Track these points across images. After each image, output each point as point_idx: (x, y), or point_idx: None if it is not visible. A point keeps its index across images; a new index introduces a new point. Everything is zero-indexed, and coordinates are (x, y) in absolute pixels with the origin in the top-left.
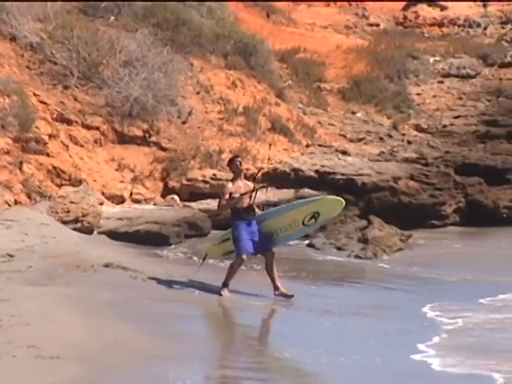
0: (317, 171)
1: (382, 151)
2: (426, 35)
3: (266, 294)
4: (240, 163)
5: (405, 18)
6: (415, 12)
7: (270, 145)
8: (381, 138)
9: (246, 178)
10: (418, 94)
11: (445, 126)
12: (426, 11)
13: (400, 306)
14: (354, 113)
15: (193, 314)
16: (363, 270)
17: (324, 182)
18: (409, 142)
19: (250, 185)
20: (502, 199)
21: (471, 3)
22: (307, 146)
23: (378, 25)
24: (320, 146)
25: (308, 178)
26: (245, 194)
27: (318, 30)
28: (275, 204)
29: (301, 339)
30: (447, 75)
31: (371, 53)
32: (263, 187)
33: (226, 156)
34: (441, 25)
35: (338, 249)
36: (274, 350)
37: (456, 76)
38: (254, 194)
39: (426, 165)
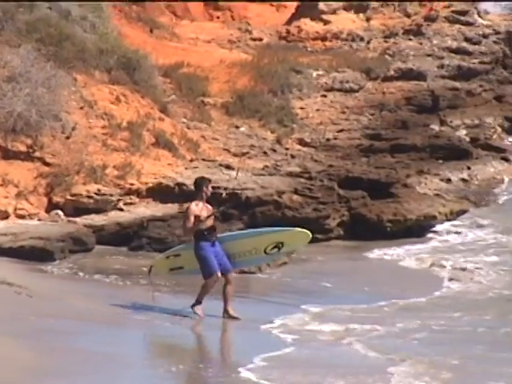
0: None
1: (266, 165)
2: (309, 49)
3: (150, 309)
4: (209, 189)
5: (288, 32)
6: (298, 26)
7: None
8: (265, 153)
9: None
10: (302, 108)
11: (328, 140)
12: (308, 25)
13: (269, 318)
14: (237, 127)
15: (77, 330)
16: (247, 283)
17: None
18: (292, 156)
19: (209, 206)
20: (385, 213)
21: (354, 17)
22: (191, 160)
23: (261, 39)
24: (204, 160)
25: (192, 192)
26: (209, 215)
27: (202, 45)
28: (161, 219)
29: (185, 354)
30: (330, 89)
31: (255, 67)
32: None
33: (110, 171)
34: (324, 39)
35: None
36: (159, 365)
37: (339, 90)
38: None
39: (309, 179)
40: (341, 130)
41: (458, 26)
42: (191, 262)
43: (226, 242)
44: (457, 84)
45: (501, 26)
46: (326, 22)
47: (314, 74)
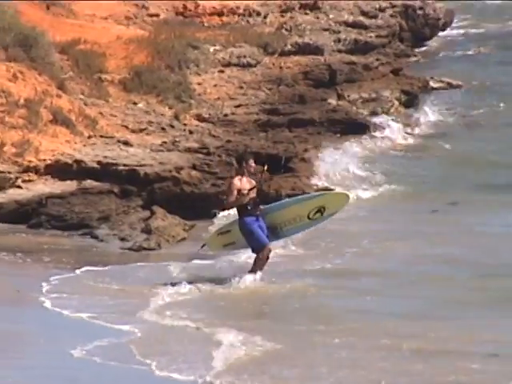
0: (99, 162)
1: (164, 141)
2: (206, 25)
3: (51, 286)
4: (252, 163)
5: (185, 7)
6: (195, 2)
7: None
8: (163, 128)
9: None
10: (199, 84)
11: (226, 116)
12: (205, 1)
13: None
14: (135, 103)
15: None
16: (147, 259)
17: (107, 172)
18: (190, 132)
19: (252, 181)
20: (284, 187)
21: None
22: (89, 137)
23: (158, 15)
24: (102, 136)
25: (90, 169)
26: (252, 188)
27: (99, 21)
28: (59, 196)
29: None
30: (228, 64)
31: (152, 43)
32: (264, 181)
33: (8, 148)
34: (221, 14)
35: (122, 240)
36: (63, 343)
37: (236, 65)
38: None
39: (208, 154)
40: (239, 105)
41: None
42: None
43: (269, 214)
44: (354, 58)
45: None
46: None
47: (211, 49)
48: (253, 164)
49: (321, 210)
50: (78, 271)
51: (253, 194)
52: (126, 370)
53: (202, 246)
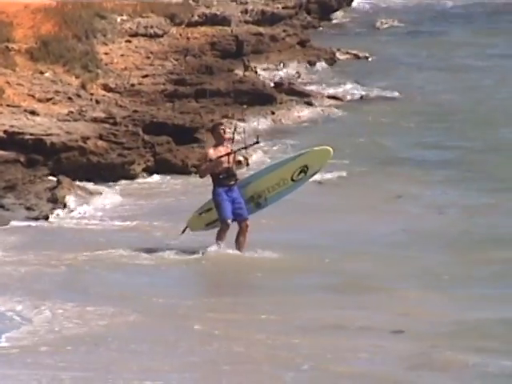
0: (5, 131)
1: (71, 111)
2: None
3: None
4: (224, 131)
5: None
6: None
7: None
8: (69, 98)
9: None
10: (106, 54)
11: (133, 86)
12: None
13: None
14: (42, 73)
15: None
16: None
17: (13, 142)
18: (97, 102)
19: (228, 149)
20: (190, 158)
21: None
22: None
23: None
24: (9, 106)
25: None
26: (221, 156)
27: None
28: None
29: None
30: (135, 34)
31: (59, 12)
32: (243, 149)
33: None
34: None
35: (28, 209)
36: None
37: (144, 35)
38: (231, 157)
39: (114, 124)
40: (145, 76)
41: None
42: None
43: (253, 182)
44: (261, 29)
45: None
46: None
47: (119, 19)
48: (222, 133)
49: (304, 170)
50: None
51: (225, 163)
52: None
53: (184, 230)
